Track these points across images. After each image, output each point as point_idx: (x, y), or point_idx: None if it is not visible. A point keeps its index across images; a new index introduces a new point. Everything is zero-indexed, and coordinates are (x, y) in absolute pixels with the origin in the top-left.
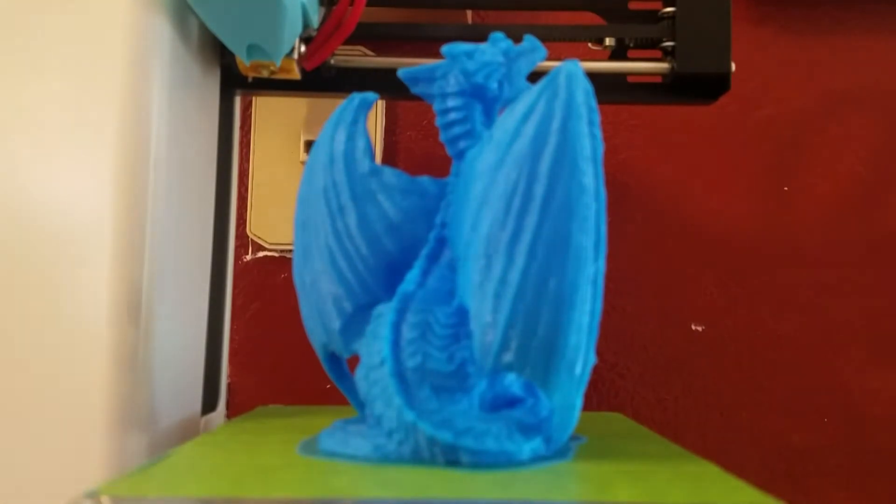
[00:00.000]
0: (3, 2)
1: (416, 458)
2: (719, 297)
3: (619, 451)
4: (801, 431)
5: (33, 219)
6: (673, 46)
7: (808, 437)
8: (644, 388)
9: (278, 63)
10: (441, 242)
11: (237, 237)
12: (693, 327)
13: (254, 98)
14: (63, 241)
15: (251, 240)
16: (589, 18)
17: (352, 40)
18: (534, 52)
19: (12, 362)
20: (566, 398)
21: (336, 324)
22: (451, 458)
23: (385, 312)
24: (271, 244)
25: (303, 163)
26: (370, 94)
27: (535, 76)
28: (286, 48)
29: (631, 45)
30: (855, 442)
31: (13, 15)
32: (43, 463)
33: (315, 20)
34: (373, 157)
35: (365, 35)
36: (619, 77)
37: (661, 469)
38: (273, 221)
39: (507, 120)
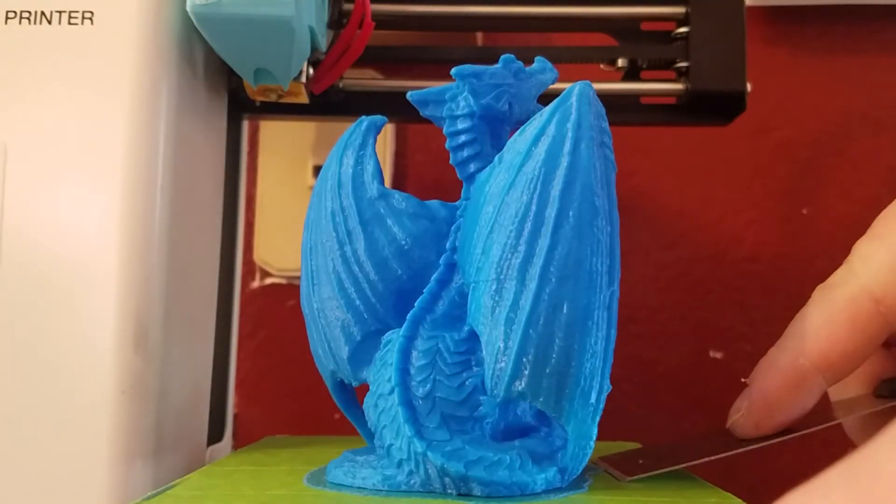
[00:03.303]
0: (9, 29)
1: (427, 490)
2: (738, 324)
3: (636, 482)
4: (826, 463)
5: (39, 245)
6: (687, 67)
7: None
8: (662, 416)
9: (286, 87)
10: (451, 267)
11: (244, 263)
12: (711, 354)
13: (261, 122)
14: (69, 268)
15: (258, 266)
16: (601, 39)
17: (360, 63)
18: (544, 73)
19: (18, 391)
20: (581, 427)
21: (344, 351)
22: (463, 489)
23: (394, 339)
24: (279, 271)
25: (311, 188)
26: (379, 118)
27: (547, 98)
28: (294, 72)
29: (644, 66)
30: None
31: (20, 42)
32: (47, 493)
33: (323, 43)
34: (382, 180)
35: (374, 58)
36: (633, 98)
37: (681, 501)
38: (280, 247)
39: (517, 142)
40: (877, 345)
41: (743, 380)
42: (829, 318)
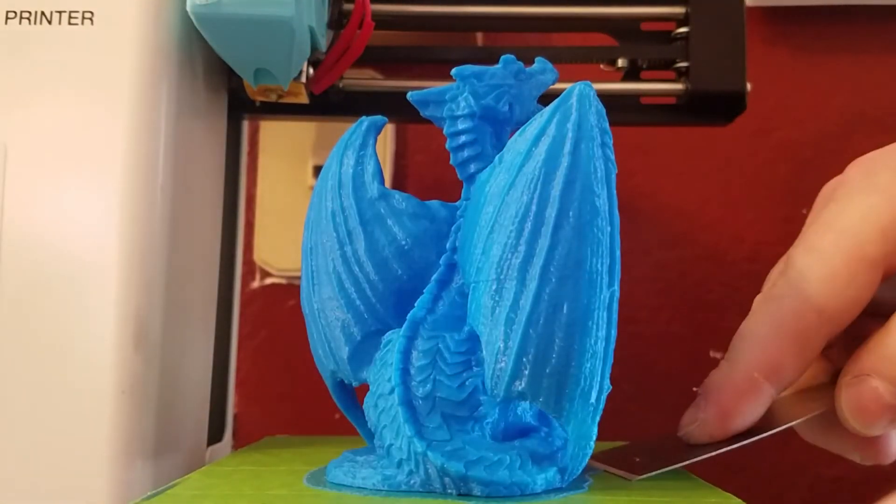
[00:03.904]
0: (9, 29)
1: (427, 490)
2: (738, 324)
3: (636, 482)
4: (825, 463)
5: (39, 245)
6: (687, 67)
7: (834, 469)
8: (662, 416)
9: (286, 87)
10: (452, 267)
11: (244, 264)
12: (712, 354)
13: (261, 122)
14: (69, 268)
15: (258, 266)
16: (601, 39)
17: (360, 63)
18: (545, 73)
19: (18, 390)
20: (581, 427)
21: (344, 351)
22: (463, 489)
23: (394, 339)
24: (279, 271)
25: (311, 188)
26: (379, 118)
27: (547, 98)
28: (294, 72)
29: (644, 66)
30: (881, 470)
31: (20, 42)
32: (47, 492)
33: (323, 43)
34: (382, 180)
35: (374, 58)
36: (633, 98)
37: (680, 502)
38: (280, 247)
39: (518, 142)
40: (819, 352)
41: (695, 388)
42: (776, 331)
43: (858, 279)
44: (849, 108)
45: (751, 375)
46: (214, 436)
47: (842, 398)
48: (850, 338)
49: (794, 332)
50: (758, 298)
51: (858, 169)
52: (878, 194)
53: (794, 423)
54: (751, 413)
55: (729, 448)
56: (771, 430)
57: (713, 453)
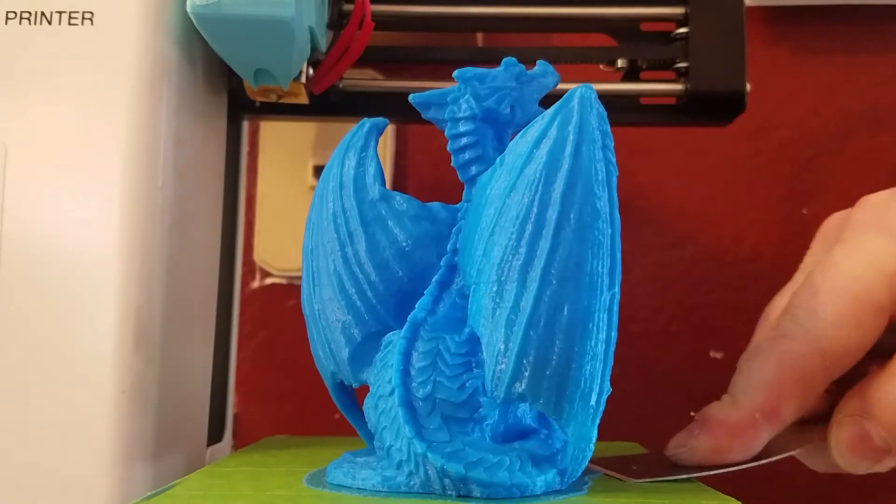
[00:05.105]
0: (9, 29)
1: (427, 491)
2: (738, 324)
3: (636, 484)
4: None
5: (39, 246)
6: (686, 67)
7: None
8: (662, 417)
9: (286, 87)
10: (452, 269)
11: (244, 264)
12: (712, 354)
13: (261, 122)
14: (68, 267)
15: (258, 266)
16: (601, 40)
17: (360, 63)
18: (546, 76)
19: (18, 391)
20: (581, 429)
21: (345, 352)
22: (463, 490)
23: (395, 340)
24: (279, 271)
25: (311, 188)
26: (381, 120)
27: (548, 99)
28: (294, 72)
29: (643, 66)
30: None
31: (20, 42)
32: (47, 493)
33: (323, 43)
34: (384, 182)
35: (374, 58)
36: (632, 99)
37: None
38: (281, 248)
39: (519, 144)
40: (821, 393)
41: (692, 413)
42: (780, 374)
43: (865, 324)
44: (849, 108)
45: (752, 416)
46: (214, 436)
47: (832, 434)
48: (847, 373)
49: (798, 375)
50: (763, 336)
51: (866, 210)
52: (886, 236)
53: (784, 455)
54: (745, 451)
55: (716, 472)
56: (762, 460)
57: (707, 473)
